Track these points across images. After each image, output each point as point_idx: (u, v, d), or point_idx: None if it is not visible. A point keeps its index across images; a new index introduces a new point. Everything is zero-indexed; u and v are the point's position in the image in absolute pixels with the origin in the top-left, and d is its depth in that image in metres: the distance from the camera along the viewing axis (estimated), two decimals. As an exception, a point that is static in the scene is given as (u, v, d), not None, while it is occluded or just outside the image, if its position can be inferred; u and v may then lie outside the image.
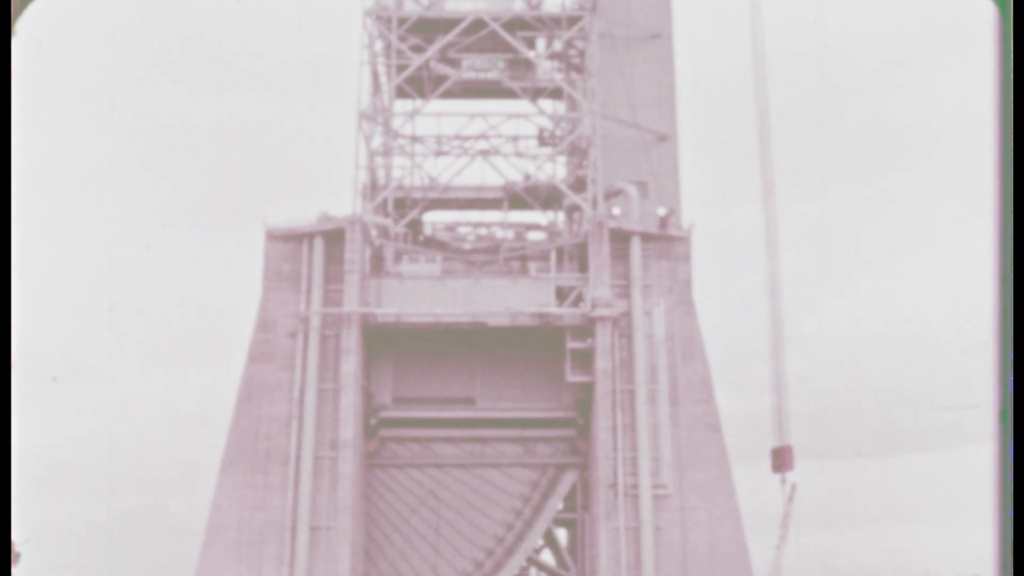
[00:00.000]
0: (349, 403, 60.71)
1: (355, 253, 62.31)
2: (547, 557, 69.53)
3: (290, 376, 61.57)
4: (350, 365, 61.17)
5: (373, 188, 68.11)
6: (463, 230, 70.89)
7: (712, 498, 60.64)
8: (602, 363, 61.23)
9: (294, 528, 59.29)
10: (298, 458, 60.15)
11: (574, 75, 69.81)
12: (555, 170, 69.72)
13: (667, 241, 63.70)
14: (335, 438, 60.53)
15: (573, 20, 68.04)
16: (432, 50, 67.94)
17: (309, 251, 62.82)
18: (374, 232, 65.36)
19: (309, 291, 62.34)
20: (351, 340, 61.49)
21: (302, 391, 61.09)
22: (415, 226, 69.06)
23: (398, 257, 66.11)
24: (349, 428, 60.44)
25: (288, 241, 63.25)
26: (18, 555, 53.57)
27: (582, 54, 68.95)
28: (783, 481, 62.99)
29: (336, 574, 58.71)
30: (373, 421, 64.71)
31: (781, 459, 63.04)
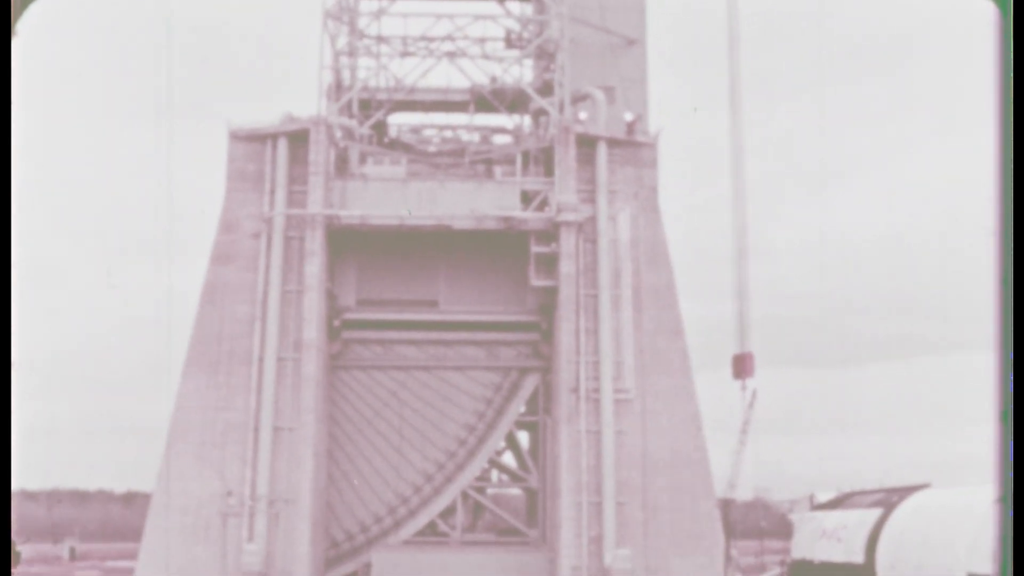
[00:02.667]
0: (312, 305, 60.67)
1: (319, 154, 61.84)
2: (508, 459, 70.16)
3: (253, 277, 61.35)
4: (314, 267, 61.02)
5: (338, 89, 67.43)
6: (428, 132, 70.43)
7: (673, 403, 61.13)
8: (566, 268, 61.29)
9: (257, 429, 59.45)
10: (261, 359, 60.16)
11: (542, -24, 69.01)
12: (522, 73, 69.15)
13: (634, 147, 63.48)
14: (298, 339, 60.54)
15: (542, -80, 67.16)
16: (399, -52, 66.95)
17: (273, 152, 62.30)
18: (339, 133, 64.82)
19: (273, 192, 61.93)
20: (315, 242, 61.27)
21: (265, 292, 60.92)
22: (380, 128, 68.50)
23: (363, 159, 65.63)
24: (312, 330, 60.46)
25: (252, 142, 62.66)
26: (18, 555, 53.70)
27: (551, -45, 68.09)
28: (744, 387, 63.69)
29: (299, 475, 59.04)
30: (337, 323, 64.72)
31: (742, 366, 63.71)
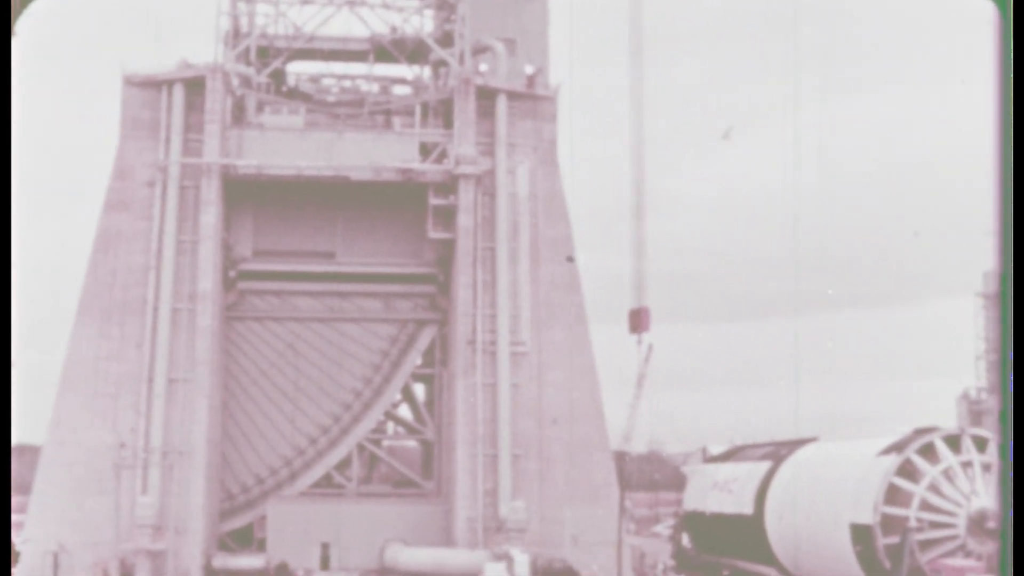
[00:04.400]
0: (208, 255, 60.00)
1: (216, 102, 60.97)
2: (404, 411, 70.21)
3: (147, 226, 60.47)
4: (209, 216, 60.30)
5: (235, 36, 66.40)
6: (327, 82, 69.67)
7: (569, 356, 61.54)
8: (464, 220, 61.25)
9: (151, 380, 58.80)
10: (155, 310, 59.43)
11: (444, -74, 68.41)
12: (422, 23, 68.62)
13: (533, 100, 63.45)
14: (193, 290, 59.89)
15: None
16: None
17: (168, 99, 61.28)
18: (236, 81, 63.90)
19: (168, 140, 60.97)
20: (211, 191, 60.52)
21: (160, 242, 60.10)
22: (278, 76, 67.63)
23: (260, 108, 64.84)
24: (208, 280, 59.83)
25: (146, 88, 61.56)
26: (18, 555, 52.73)
27: (452, -95, 67.47)
28: (640, 342, 64.02)
29: (194, 426, 58.57)
30: (232, 273, 64.09)
31: (638, 320, 63.93)
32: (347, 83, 69.44)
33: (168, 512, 57.63)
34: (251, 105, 64.69)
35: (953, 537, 43.70)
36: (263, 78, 65.80)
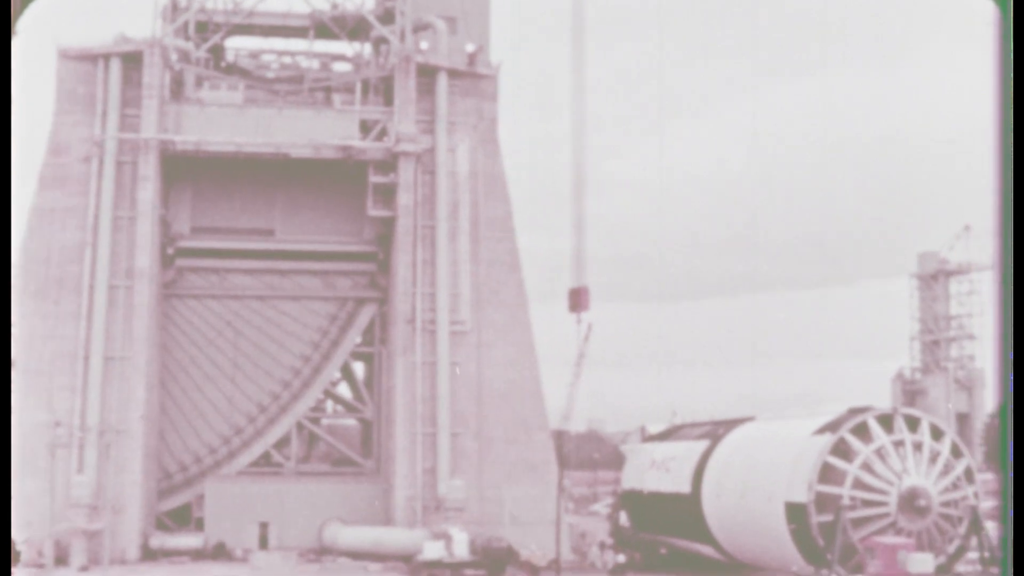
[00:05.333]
0: (145, 231, 59.53)
1: (154, 77, 60.43)
2: (344, 390, 70.06)
3: (83, 202, 59.87)
4: (147, 193, 59.80)
5: (174, 10, 65.78)
6: (267, 58, 69.21)
7: (509, 335, 61.68)
8: (404, 198, 61.17)
9: (87, 358, 58.31)
10: (91, 287, 58.91)
11: (385, -98, 67.99)
12: (363, 0, 68.29)
13: (474, 78, 63.39)
14: (130, 267, 59.42)
15: None
16: None
17: (105, 73, 60.66)
18: (174, 56, 63.31)
19: (105, 115, 60.38)
20: (148, 167, 59.99)
21: (96, 218, 59.54)
22: (217, 52, 67.07)
23: (199, 83, 64.31)
24: (145, 257, 59.37)
25: (83, 62, 60.88)
26: (18, 554, 51.84)
27: None
28: (579, 321, 64.19)
29: (131, 405, 58.16)
30: (170, 250, 63.58)
31: (578, 299, 64.08)
32: (287, 59, 69.03)
33: (104, 491, 57.23)
34: (190, 80, 64.14)
35: (885, 515, 44.20)
36: (202, 53, 65.24)
